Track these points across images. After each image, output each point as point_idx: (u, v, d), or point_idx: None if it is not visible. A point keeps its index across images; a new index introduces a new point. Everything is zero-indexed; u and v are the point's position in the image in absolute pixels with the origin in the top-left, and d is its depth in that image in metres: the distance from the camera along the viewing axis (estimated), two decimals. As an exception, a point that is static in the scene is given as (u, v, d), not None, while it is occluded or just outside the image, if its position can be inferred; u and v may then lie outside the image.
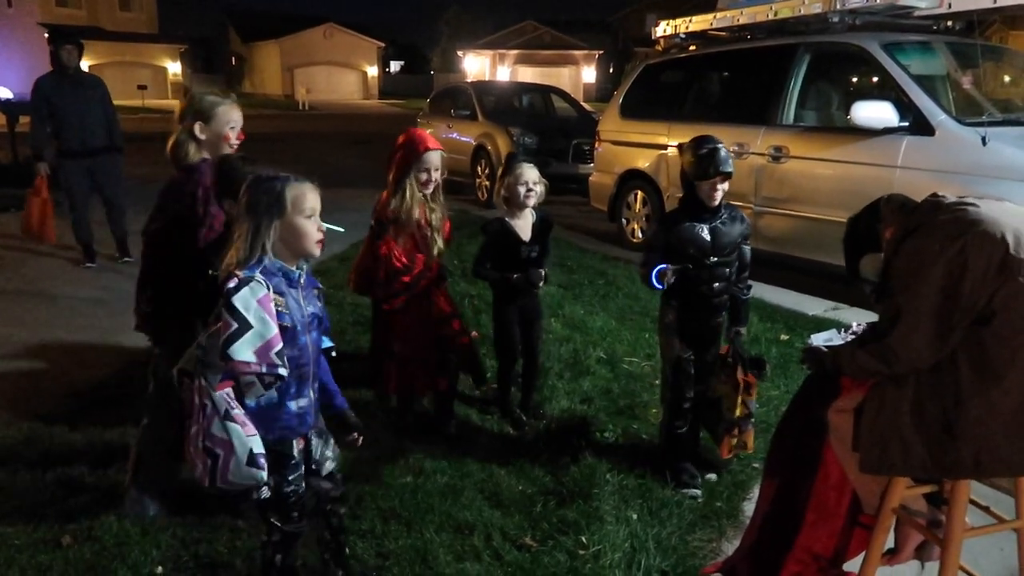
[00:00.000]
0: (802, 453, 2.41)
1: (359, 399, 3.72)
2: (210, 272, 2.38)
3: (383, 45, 55.53)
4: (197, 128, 2.84)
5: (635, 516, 2.87)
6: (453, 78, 40.95)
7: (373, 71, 54.29)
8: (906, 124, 4.98)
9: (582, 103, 14.86)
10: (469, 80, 28.07)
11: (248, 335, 1.87)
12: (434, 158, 3.27)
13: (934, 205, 2.00)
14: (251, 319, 1.88)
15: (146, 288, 2.80)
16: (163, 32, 46.68)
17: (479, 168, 10.75)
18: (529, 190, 3.46)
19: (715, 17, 7.06)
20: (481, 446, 3.41)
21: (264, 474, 1.92)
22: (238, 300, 1.88)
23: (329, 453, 2.26)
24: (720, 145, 2.98)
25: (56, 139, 6.37)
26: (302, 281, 2.09)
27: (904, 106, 5.02)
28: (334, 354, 2.31)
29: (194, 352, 1.96)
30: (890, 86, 5.22)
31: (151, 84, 41.73)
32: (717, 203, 3.02)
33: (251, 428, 1.92)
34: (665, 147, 7.11)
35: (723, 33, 7.18)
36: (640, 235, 7.56)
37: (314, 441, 2.22)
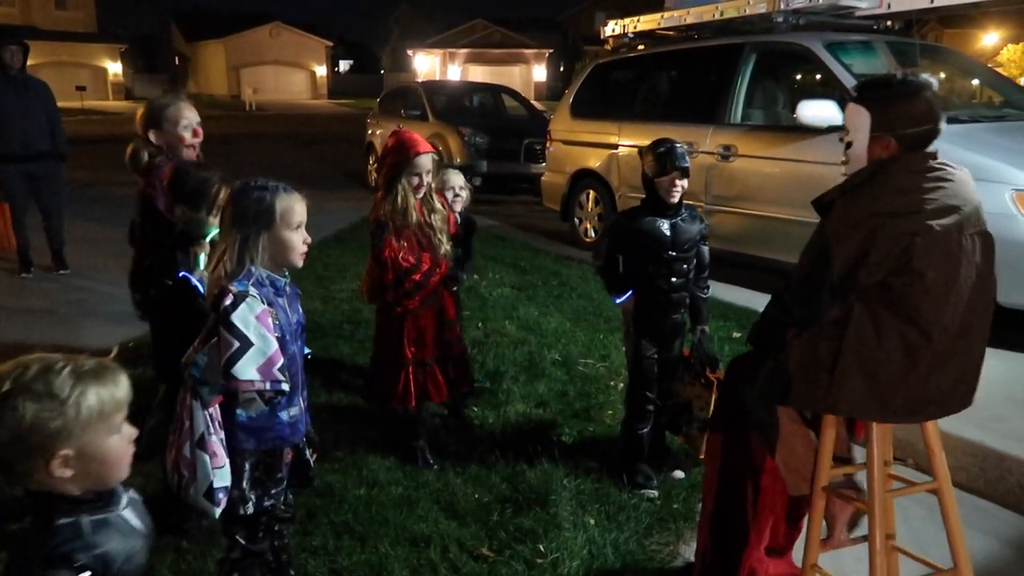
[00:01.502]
0: (737, 441, 2.43)
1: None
2: (167, 281, 2.33)
3: (331, 44, 54.86)
4: (152, 135, 2.89)
5: (592, 521, 2.85)
6: (403, 77, 40.69)
7: (322, 71, 53.59)
8: (850, 122, 5.06)
9: (533, 102, 14.89)
10: (419, 79, 27.90)
11: (250, 353, 1.86)
12: (426, 162, 3.17)
13: (888, 165, 2.01)
14: (251, 336, 1.87)
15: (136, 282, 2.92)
16: (102, 31, 45.35)
17: (431, 169, 10.66)
18: (456, 195, 3.56)
19: (663, 16, 7.11)
20: (436, 454, 3.36)
21: (217, 510, 1.90)
22: (237, 318, 1.86)
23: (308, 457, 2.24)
24: (677, 144, 3.09)
25: None
26: (287, 289, 2.06)
27: (845, 104, 5.09)
28: (309, 356, 2.28)
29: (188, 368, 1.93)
30: (834, 85, 5.31)
31: (91, 85, 40.42)
32: (676, 199, 3.10)
33: (220, 458, 1.90)
34: (616, 146, 7.12)
35: (671, 32, 7.24)
36: (593, 234, 7.57)
37: (304, 451, 2.20)
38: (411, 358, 3.25)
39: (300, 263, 2.04)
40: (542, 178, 8.47)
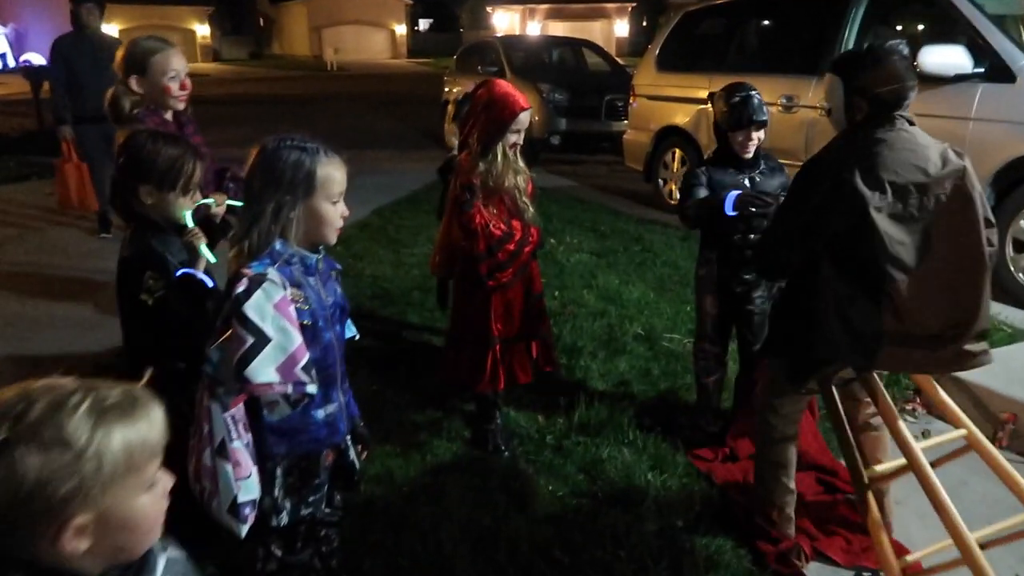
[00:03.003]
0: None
1: (366, 386, 3.44)
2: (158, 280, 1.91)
3: (411, 2, 54.53)
4: (133, 82, 2.64)
5: (680, 523, 2.54)
6: (482, 35, 40.07)
7: (401, 29, 53.39)
8: (981, 70, 4.46)
9: (615, 57, 14.26)
10: (498, 35, 27.35)
11: (268, 350, 1.56)
12: (526, 119, 2.81)
13: (861, 127, 2.17)
14: (269, 330, 1.56)
15: None
16: (191, -6, 46.22)
17: (508, 127, 10.28)
18: None
19: (760, -42, 6.50)
20: (506, 438, 3.08)
21: (244, 528, 1.62)
22: (251, 308, 1.55)
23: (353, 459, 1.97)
24: (753, 92, 2.86)
25: (73, 102, 6.09)
26: (320, 266, 1.76)
27: (979, 50, 4.49)
28: (357, 338, 2.00)
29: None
30: (962, 28, 4.68)
31: (181, 47, 41.40)
32: (751, 154, 2.91)
33: (245, 467, 1.61)
34: (706, 101, 6.59)
35: (769, -25, 6.63)
36: (678, 196, 7.11)
37: (349, 452, 1.93)
38: (499, 336, 2.92)
39: (334, 239, 1.74)
40: (624, 136, 8.01)
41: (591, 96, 10.09)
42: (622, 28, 47.90)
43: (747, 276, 2.96)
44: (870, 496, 2.20)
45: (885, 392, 2.21)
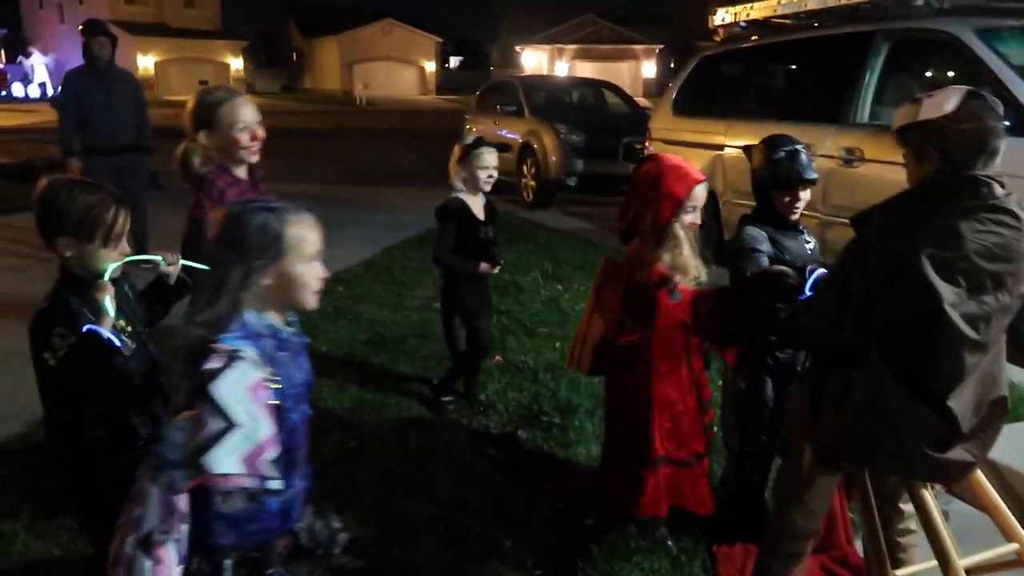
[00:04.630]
0: None
1: (344, 440, 3.27)
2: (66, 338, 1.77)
3: (441, 41, 55.46)
4: (202, 136, 2.51)
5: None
6: (510, 74, 40.58)
7: (431, 67, 54.25)
8: (1007, 124, 4.25)
9: (640, 99, 14.26)
10: (519, 75, 27.59)
11: (234, 438, 1.41)
12: (702, 193, 2.53)
13: (935, 190, 1.76)
14: (238, 416, 1.42)
15: None
16: (226, 28, 47.46)
17: (525, 167, 10.21)
18: (490, 175, 3.53)
19: (779, 3, 6.38)
20: (478, 506, 2.87)
21: None
22: (222, 389, 1.41)
23: (336, 524, 1.79)
24: (800, 147, 2.52)
25: (83, 135, 6.11)
26: (293, 340, 1.63)
27: (1004, 102, 4.27)
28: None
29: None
30: (986, 79, 4.48)
31: (213, 80, 42.28)
32: (797, 216, 2.57)
33: (167, 566, 1.42)
34: (722, 147, 6.46)
35: (788, 20, 6.50)
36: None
37: (303, 534, 1.74)
38: (664, 455, 2.54)
39: (313, 303, 1.60)
40: (640, 180, 7.87)
41: (609, 137, 10.00)
42: (649, 69, 48.24)
43: (784, 355, 2.57)
44: None
45: (928, 494, 1.86)
